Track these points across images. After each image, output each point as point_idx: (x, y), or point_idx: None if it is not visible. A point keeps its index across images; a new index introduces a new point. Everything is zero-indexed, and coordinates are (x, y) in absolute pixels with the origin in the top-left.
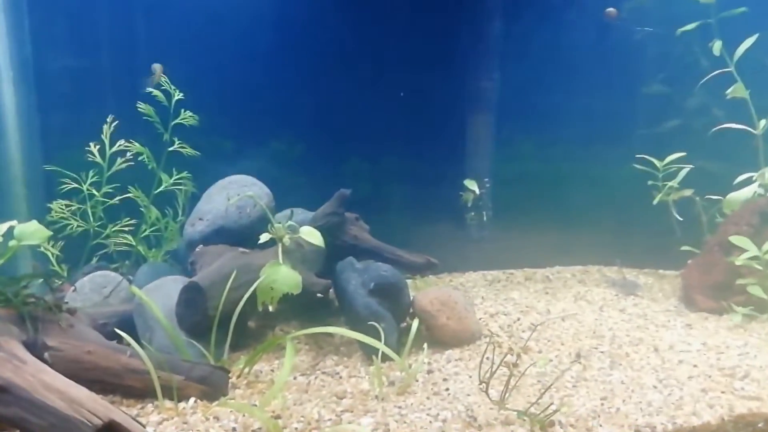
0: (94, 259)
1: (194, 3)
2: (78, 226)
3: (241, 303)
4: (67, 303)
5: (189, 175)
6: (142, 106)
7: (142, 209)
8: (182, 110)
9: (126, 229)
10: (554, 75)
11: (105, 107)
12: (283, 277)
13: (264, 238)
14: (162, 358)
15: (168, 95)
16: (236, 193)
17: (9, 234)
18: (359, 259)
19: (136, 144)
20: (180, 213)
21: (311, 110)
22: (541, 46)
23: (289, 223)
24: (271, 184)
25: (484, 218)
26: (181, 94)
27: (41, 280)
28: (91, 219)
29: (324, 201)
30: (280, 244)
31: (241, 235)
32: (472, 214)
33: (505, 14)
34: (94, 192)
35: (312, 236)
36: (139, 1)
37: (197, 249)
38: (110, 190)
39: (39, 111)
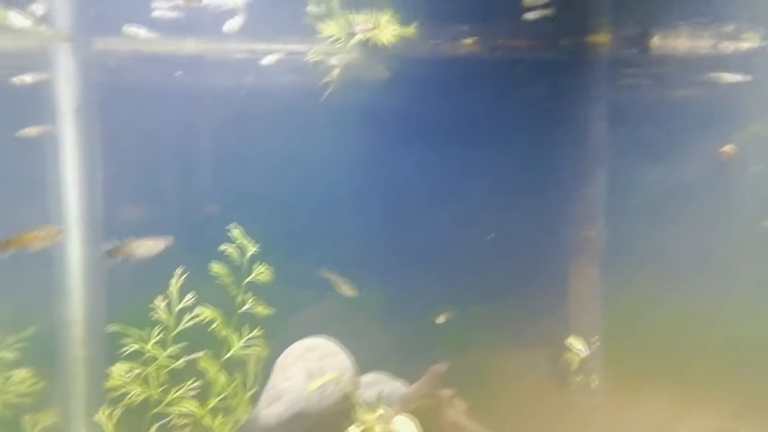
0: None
1: (262, 151)
2: (140, 393)
3: None
4: None
5: (260, 333)
6: (214, 267)
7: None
8: (257, 264)
9: (189, 394)
10: (666, 216)
11: (174, 261)
12: None
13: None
14: None
15: (242, 250)
16: (317, 367)
17: None
18: None
19: (208, 310)
20: (251, 381)
21: (392, 255)
22: (648, 187)
23: (380, 412)
24: (348, 341)
25: (594, 383)
26: (257, 247)
27: None
28: (153, 384)
29: (409, 357)
30: None
31: (323, 419)
32: (579, 378)
33: (608, 158)
34: (157, 354)
35: (408, 429)
36: (208, 154)
37: None
38: (175, 351)
39: (107, 266)
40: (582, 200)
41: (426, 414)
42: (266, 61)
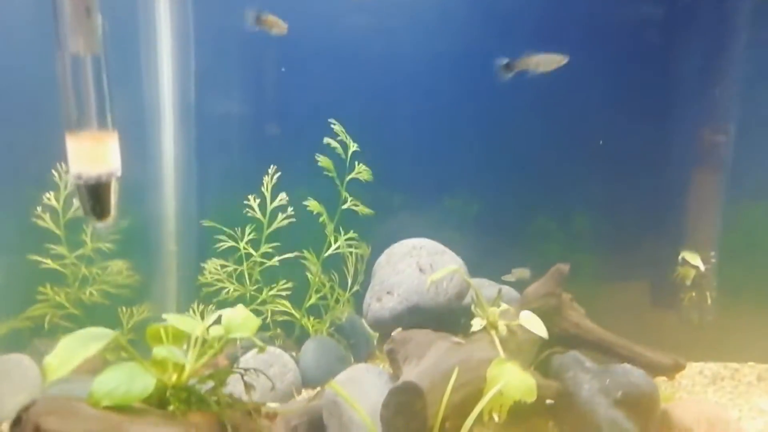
0: None
1: (365, 51)
2: (234, 290)
3: (473, 416)
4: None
5: (355, 234)
6: (321, 159)
7: (308, 274)
8: (356, 163)
9: (283, 293)
10: None
11: (267, 157)
12: (514, 380)
13: (477, 325)
14: None
15: (344, 147)
16: (428, 262)
17: None
18: (582, 353)
19: (314, 201)
20: (350, 280)
21: (490, 162)
22: None
23: (504, 307)
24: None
25: (708, 300)
26: (356, 146)
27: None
28: (248, 282)
29: (506, 267)
30: (494, 333)
31: (437, 314)
32: (693, 294)
33: (744, 55)
34: (252, 251)
35: (534, 325)
36: (308, 47)
37: (395, 333)
38: (269, 250)
39: (197, 160)
40: (711, 101)
41: (548, 313)
42: None
